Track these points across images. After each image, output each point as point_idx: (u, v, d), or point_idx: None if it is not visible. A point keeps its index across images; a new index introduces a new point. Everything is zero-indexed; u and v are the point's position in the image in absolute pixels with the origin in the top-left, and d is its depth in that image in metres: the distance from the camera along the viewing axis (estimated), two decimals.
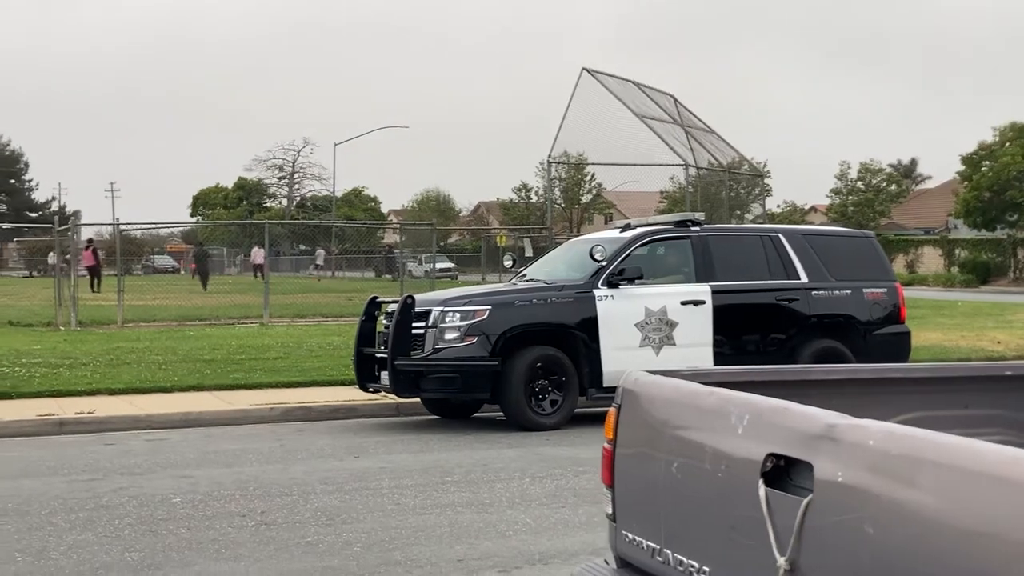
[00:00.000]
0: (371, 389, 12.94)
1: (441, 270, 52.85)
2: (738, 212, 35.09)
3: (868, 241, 14.16)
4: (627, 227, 13.37)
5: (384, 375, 12.46)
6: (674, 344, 12.52)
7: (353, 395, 14.09)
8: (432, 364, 12.03)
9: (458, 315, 12.07)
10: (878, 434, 2.85)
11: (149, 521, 7.97)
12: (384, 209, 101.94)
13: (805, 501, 2.97)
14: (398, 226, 47.25)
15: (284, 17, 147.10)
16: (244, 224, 67.49)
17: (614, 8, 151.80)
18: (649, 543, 3.64)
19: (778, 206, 72.98)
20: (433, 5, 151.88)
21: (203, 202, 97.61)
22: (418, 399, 13.08)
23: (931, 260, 60.88)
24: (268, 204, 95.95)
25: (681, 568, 3.47)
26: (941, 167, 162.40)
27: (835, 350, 13.10)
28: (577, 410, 12.49)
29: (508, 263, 14.73)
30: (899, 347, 13.41)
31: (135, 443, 11.50)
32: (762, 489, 3.12)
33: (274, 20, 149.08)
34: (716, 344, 12.70)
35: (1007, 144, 55.71)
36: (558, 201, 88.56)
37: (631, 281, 12.44)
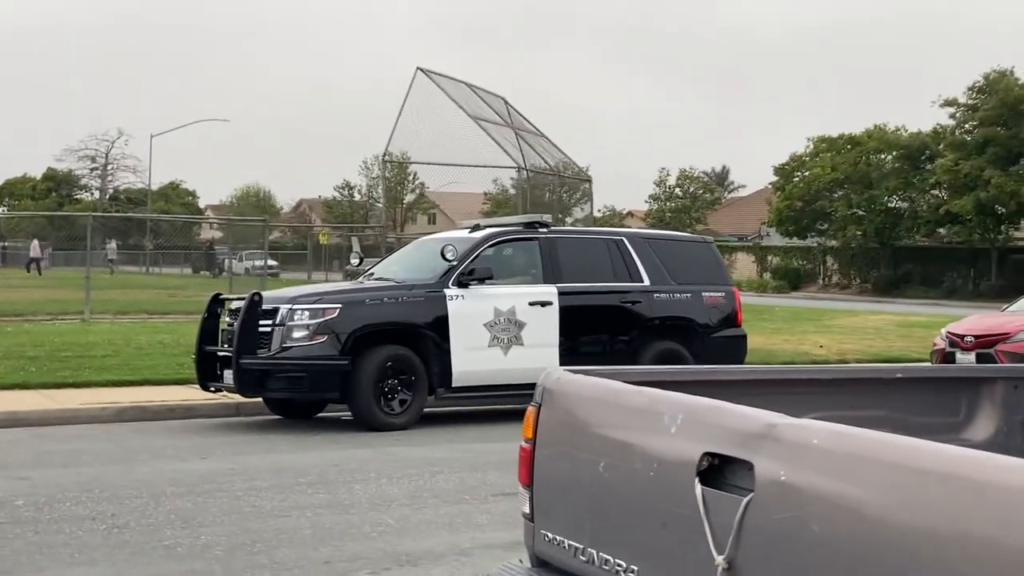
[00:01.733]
0: (212, 388, 12.61)
1: (262, 267, 51.83)
2: (560, 216, 35.61)
3: (707, 246, 14.55)
4: (476, 227, 13.39)
5: (227, 374, 12.15)
6: (522, 344, 12.60)
7: (189, 395, 13.71)
8: (279, 363, 11.80)
9: (307, 313, 11.87)
10: (821, 433, 2.92)
11: None
12: (202, 204, 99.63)
13: (745, 500, 3.02)
14: (227, 221, 46.01)
15: (105, 7, 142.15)
16: (52, 216, 64.90)
17: (428, 5, 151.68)
18: (571, 542, 3.63)
19: (599, 211, 74.32)
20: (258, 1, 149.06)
21: (9, 193, 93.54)
22: (259, 399, 12.81)
23: (744, 266, 62.95)
24: (80, 196, 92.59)
25: (607, 567, 3.48)
26: (752, 176, 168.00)
27: (675, 352, 13.40)
28: (425, 410, 12.44)
29: (355, 261, 14.58)
30: (736, 349, 13.82)
31: None
32: (698, 488, 3.15)
33: (95, 8, 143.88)
34: (562, 344, 12.83)
35: (818, 156, 58.05)
36: (380, 200, 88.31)
37: (481, 281, 12.47)
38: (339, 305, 11.96)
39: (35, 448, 10.64)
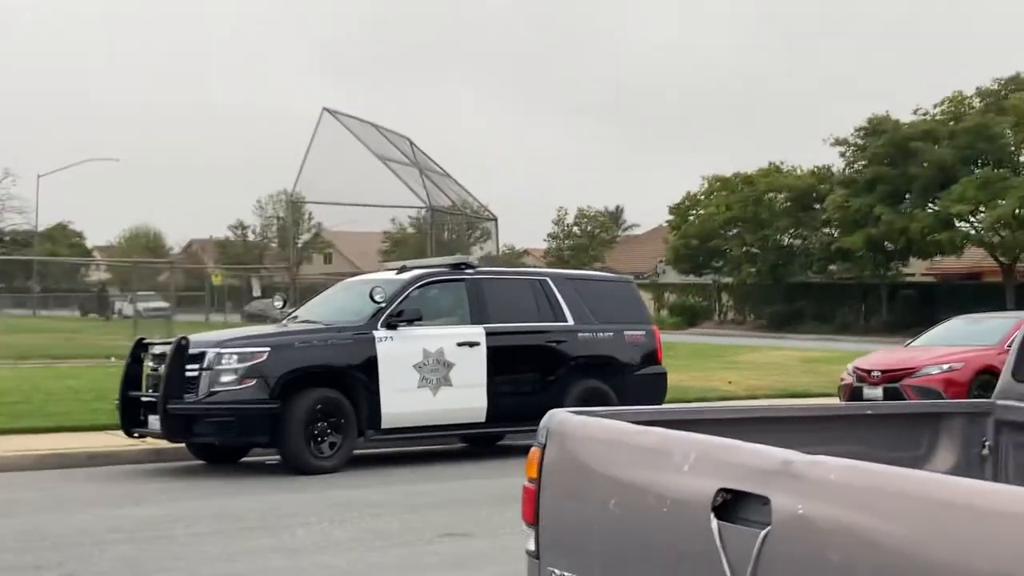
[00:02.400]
0: (136, 434, 12.46)
1: (155, 309, 50.87)
2: (458, 254, 35.90)
3: (627, 286, 14.86)
4: (403, 268, 13.50)
5: (152, 419, 12.04)
6: (451, 385, 12.70)
7: (109, 440, 13.53)
8: (207, 408, 11.73)
9: (235, 357, 11.83)
10: (838, 468, 3.11)
11: None
12: (89, 245, 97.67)
13: (763, 533, 3.19)
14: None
15: None
16: None
17: (317, 40, 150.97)
18: None
19: (498, 249, 74.83)
20: (143, 35, 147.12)
21: None
22: (182, 444, 12.70)
23: None
24: None
25: None
26: (646, 215, 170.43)
27: (599, 390, 13.63)
28: (354, 452, 12.46)
29: (279, 303, 14.52)
30: (658, 387, 14.10)
31: None
32: (714, 523, 3.32)
33: None
34: (490, 384, 12.97)
35: (712, 195, 59.29)
36: (274, 241, 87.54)
37: (410, 323, 12.56)
38: (268, 349, 11.95)
39: None
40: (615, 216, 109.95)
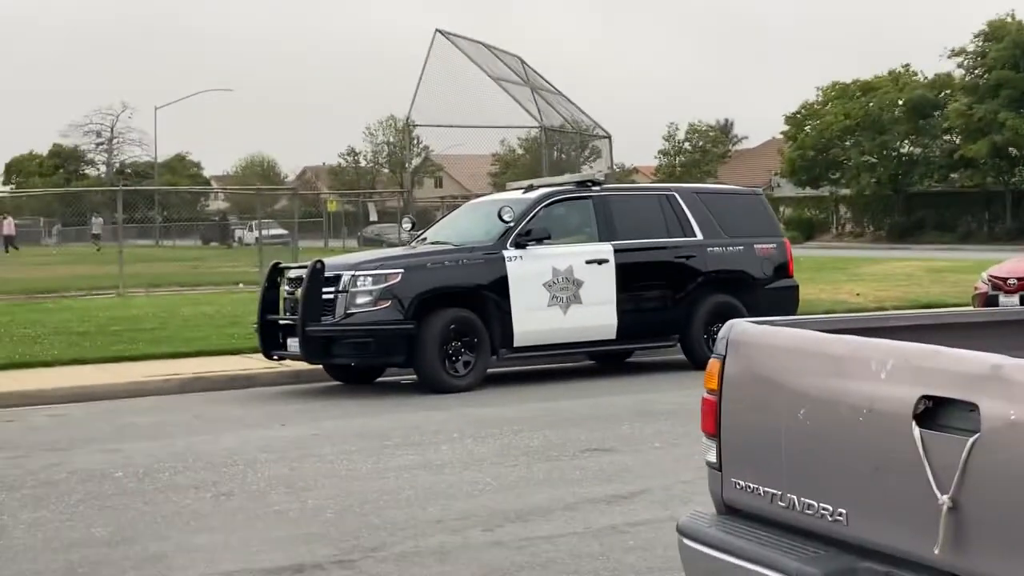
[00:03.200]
0: (276, 357, 12.70)
1: (275, 236, 51.71)
2: (568, 174, 35.69)
3: (757, 198, 14.59)
4: (530, 188, 13.44)
5: (291, 342, 12.25)
6: (580, 303, 12.67)
7: (247, 364, 13.85)
8: (344, 329, 11.89)
9: (370, 279, 11.94)
10: None
11: (100, 496, 7.70)
12: (206, 175, 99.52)
13: (971, 440, 3.09)
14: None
15: None
16: (64, 192, 64.69)
17: None
18: (767, 489, 3.72)
19: (609, 167, 74.28)
20: None
21: (16, 170, 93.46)
22: (318, 366, 12.92)
23: None
24: (86, 172, 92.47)
25: (810, 511, 3.57)
26: (755, 128, 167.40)
27: (731, 304, 13.46)
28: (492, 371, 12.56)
29: (407, 226, 14.62)
30: (789, 300, 13.89)
31: (38, 419, 11.05)
32: (916, 431, 3.23)
33: None
34: (619, 301, 12.90)
35: (828, 104, 57.90)
36: (385, 167, 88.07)
37: (539, 242, 12.53)
38: (401, 270, 12.03)
39: (114, 422, 10.76)
40: (725, 130, 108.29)
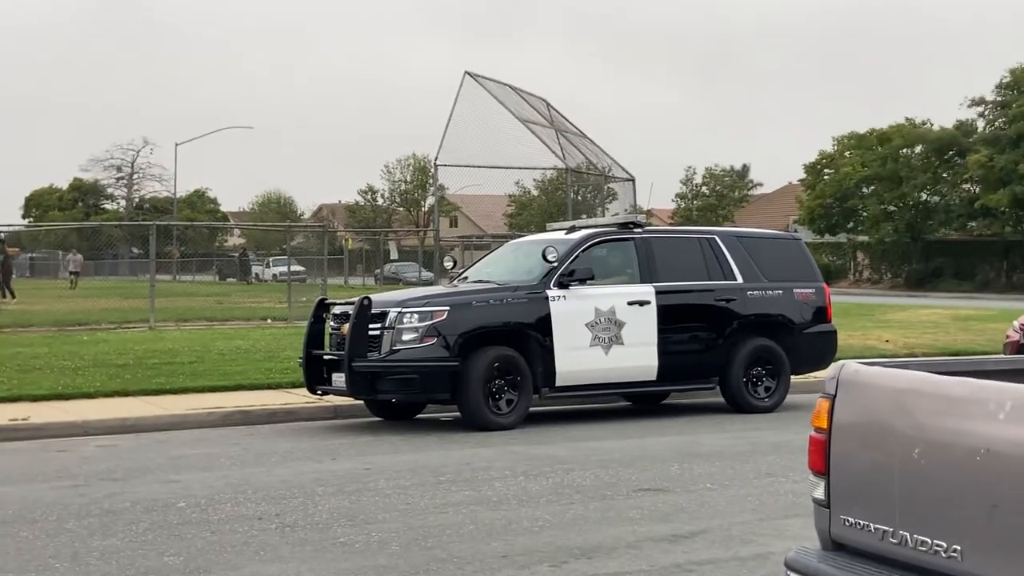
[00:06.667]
0: (319, 392, 12.83)
1: (294, 273, 51.82)
2: (584, 215, 35.93)
3: (796, 243, 14.72)
4: (573, 228, 13.60)
5: (336, 377, 12.38)
6: (622, 344, 12.78)
7: (286, 398, 13.97)
8: (390, 365, 12.01)
9: (416, 316, 12.08)
10: None
11: (166, 525, 7.80)
12: (223, 210, 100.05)
13: None
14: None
15: (126, 13, 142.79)
16: (81, 227, 65.08)
17: (428, 7, 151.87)
18: (877, 526, 3.82)
19: (625, 209, 74.56)
20: (285, 8, 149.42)
21: (36, 204, 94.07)
22: (359, 402, 13.03)
23: None
24: (105, 206, 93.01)
25: (923, 548, 3.67)
26: (770, 174, 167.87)
27: (770, 348, 13.59)
28: (531, 409, 12.66)
29: (448, 264, 14.78)
30: (827, 345, 14.00)
31: (89, 450, 11.16)
32: None
33: (112, 13, 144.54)
34: (661, 343, 13.01)
35: (846, 153, 58.15)
36: (403, 206, 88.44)
37: (582, 282, 12.66)
38: (447, 308, 12.17)
39: (165, 453, 10.87)
40: (741, 175, 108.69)
